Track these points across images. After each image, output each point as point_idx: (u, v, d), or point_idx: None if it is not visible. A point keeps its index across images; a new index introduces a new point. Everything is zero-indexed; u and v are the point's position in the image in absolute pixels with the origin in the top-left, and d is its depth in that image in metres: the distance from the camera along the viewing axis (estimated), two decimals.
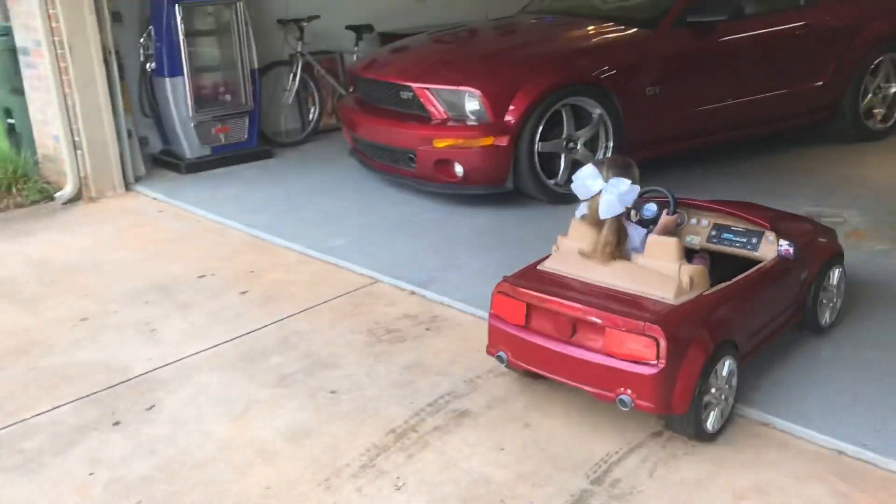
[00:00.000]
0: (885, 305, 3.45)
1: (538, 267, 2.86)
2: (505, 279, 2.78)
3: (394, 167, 5.06)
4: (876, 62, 5.86)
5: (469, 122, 4.66)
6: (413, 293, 3.77)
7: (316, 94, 6.65)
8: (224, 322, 3.55)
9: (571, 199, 4.94)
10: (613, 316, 2.48)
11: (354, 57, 6.77)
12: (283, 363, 3.18)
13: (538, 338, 2.65)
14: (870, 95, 5.97)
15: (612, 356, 2.48)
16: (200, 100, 5.73)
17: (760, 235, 3.00)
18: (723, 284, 2.68)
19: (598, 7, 6.03)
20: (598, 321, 2.51)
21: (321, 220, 4.76)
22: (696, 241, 3.13)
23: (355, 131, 5.34)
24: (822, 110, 5.84)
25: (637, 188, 2.69)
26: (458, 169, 4.70)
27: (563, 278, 2.74)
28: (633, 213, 2.99)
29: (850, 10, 5.76)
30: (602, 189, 2.68)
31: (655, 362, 2.40)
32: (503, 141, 4.58)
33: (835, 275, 3.22)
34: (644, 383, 2.42)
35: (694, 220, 3.16)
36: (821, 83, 5.68)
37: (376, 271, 3.99)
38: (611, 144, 4.90)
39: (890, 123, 6.12)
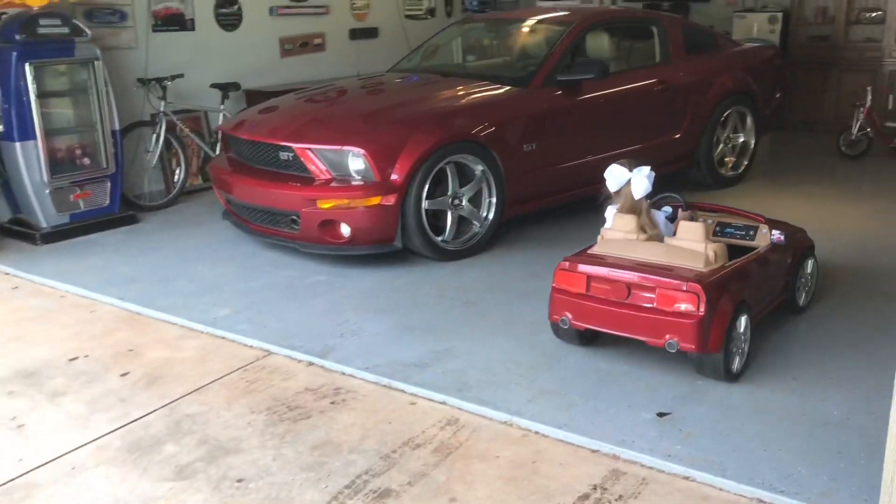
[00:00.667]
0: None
1: (588, 252, 3.53)
2: (565, 259, 3.46)
3: (274, 229, 4.88)
4: (725, 115, 6.30)
5: (354, 182, 4.57)
6: (311, 364, 3.60)
7: (181, 155, 6.35)
8: (105, 410, 3.23)
9: (460, 256, 4.98)
10: (662, 279, 3.19)
11: (221, 116, 6.54)
12: (179, 452, 2.92)
13: (598, 302, 3.34)
14: (721, 145, 6.41)
15: (661, 311, 3.17)
16: (56, 164, 5.33)
17: (756, 228, 3.80)
18: (736, 260, 3.41)
19: (468, 67, 6.16)
20: (650, 284, 3.20)
21: (200, 289, 4.49)
22: None
23: (230, 193, 5.12)
24: (681, 160, 6.20)
25: (653, 175, 3.45)
26: (345, 229, 4.59)
27: (611, 257, 3.41)
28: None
29: (699, 66, 6.19)
30: (630, 176, 3.44)
31: (696, 311, 3.09)
32: (390, 200, 4.52)
33: (809, 264, 3.96)
34: (687, 329, 3.11)
35: (702, 219, 3.78)
36: (678, 136, 6.04)
37: (268, 342, 3.79)
38: (493, 200, 4.96)
39: (740, 171, 6.58)
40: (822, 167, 7.30)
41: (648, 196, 3.50)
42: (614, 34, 6.04)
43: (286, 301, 4.31)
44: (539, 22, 6.08)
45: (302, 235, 4.71)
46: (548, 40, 5.63)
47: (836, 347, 3.62)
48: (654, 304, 3.19)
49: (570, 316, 3.40)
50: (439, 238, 4.79)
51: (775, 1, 9.15)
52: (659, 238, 3.47)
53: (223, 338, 3.89)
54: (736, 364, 3.26)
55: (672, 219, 3.64)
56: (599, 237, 3.57)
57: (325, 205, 4.55)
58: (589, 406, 3.12)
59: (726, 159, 6.51)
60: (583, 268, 3.38)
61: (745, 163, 6.61)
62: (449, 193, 4.79)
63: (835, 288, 4.29)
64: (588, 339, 3.57)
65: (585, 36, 5.72)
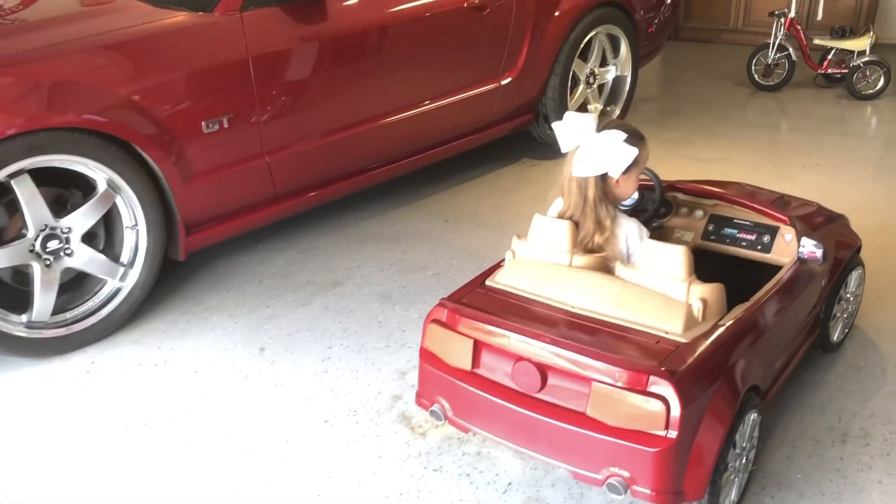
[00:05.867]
0: None
1: (487, 282, 2.06)
2: (443, 302, 1.96)
3: None
4: (586, 40, 4.08)
5: None
6: None
7: None
8: None
9: (77, 344, 2.69)
10: (602, 363, 1.70)
11: None
12: None
13: (491, 388, 1.84)
14: (581, 87, 4.21)
15: (597, 423, 1.70)
16: None
17: (775, 231, 2.34)
18: (741, 307, 1.91)
19: None
20: (581, 369, 1.72)
21: None
22: (688, 237, 2.46)
23: None
24: (517, 117, 3.99)
25: (635, 152, 1.99)
26: None
27: (524, 300, 1.97)
28: None
29: None
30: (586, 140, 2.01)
31: (663, 430, 1.65)
32: None
33: (853, 278, 2.54)
34: (645, 462, 1.65)
35: (685, 210, 2.46)
36: (510, 79, 3.80)
37: None
38: (141, 232, 2.69)
39: None
40: (726, 107, 5.17)
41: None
42: None
43: None
44: None
45: None
46: None
47: None
48: (587, 407, 1.73)
49: (445, 405, 1.94)
50: (22, 318, 2.51)
51: None
52: (609, 263, 2.01)
53: None
54: (731, 498, 1.86)
55: (637, 210, 2.34)
56: (509, 253, 2.13)
57: None
58: None
59: (590, 107, 4.33)
60: (467, 323, 1.89)
61: (618, 111, 4.46)
62: (28, 233, 2.47)
63: None
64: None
65: None
